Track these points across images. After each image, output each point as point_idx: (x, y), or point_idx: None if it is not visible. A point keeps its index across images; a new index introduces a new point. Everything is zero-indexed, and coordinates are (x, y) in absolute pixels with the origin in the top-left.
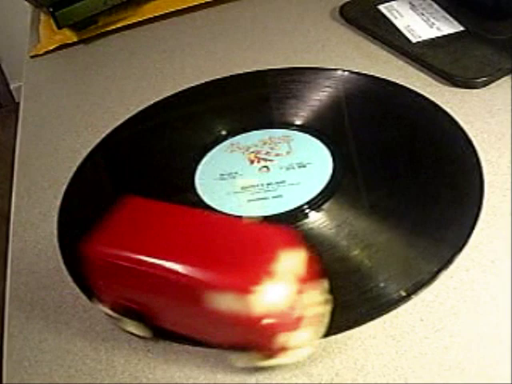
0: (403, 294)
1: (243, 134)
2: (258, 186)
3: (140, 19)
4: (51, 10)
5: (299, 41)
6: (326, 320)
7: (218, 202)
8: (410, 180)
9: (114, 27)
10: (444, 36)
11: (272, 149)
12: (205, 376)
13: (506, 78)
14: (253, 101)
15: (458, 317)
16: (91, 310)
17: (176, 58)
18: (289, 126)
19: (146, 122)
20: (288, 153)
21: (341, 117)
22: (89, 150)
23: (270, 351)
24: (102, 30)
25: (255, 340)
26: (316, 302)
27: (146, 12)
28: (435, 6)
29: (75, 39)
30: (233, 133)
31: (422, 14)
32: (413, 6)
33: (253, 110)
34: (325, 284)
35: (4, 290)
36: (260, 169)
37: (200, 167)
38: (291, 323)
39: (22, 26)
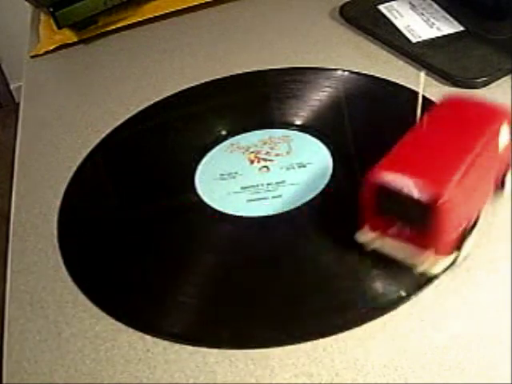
0: (403, 294)
1: (243, 134)
2: (257, 185)
3: (140, 19)
4: (51, 9)
5: (299, 41)
6: None
7: (218, 202)
8: None
9: (114, 27)
10: (444, 36)
11: (272, 149)
12: (205, 376)
13: (506, 78)
14: (253, 101)
15: (458, 317)
16: (91, 310)
17: (176, 58)
18: (289, 125)
19: (145, 122)
20: (288, 153)
21: (341, 117)
22: (89, 150)
23: None
24: (102, 30)
25: None
26: None
27: (146, 12)
28: (435, 5)
29: (75, 39)
30: (233, 133)
31: (422, 14)
32: (413, 6)
33: (253, 110)
34: None
35: (4, 290)
36: (260, 169)
37: (200, 167)
38: None
39: (22, 26)
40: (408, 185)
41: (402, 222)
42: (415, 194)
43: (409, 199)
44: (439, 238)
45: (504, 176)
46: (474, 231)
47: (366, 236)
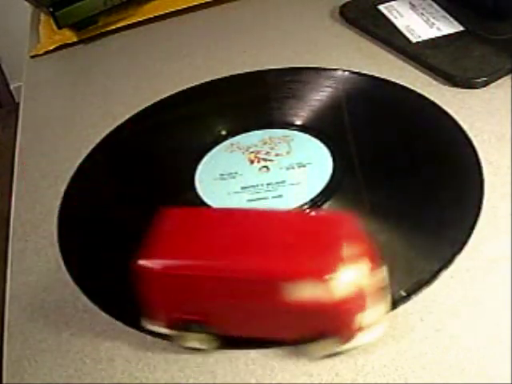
0: (403, 293)
1: (243, 134)
2: (257, 185)
3: (140, 19)
4: (51, 10)
5: (299, 41)
6: (388, 297)
7: (218, 202)
8: (410, 180)
9: (113, 27)
10: (444, 36)
11: (272, 149)
12: (205, 376)
13: (506, 78)
14: (253, 101)
15: (458, 317)
16: (91, 310)
17: (176, 58)
18: (289, 126)
19: (146, 122)
20: (288, 153)
21: (341, 117)
22: (89, 150)
23: (349, 334)
24: (102, 30)
25: (334, 325)
26: (379, 281)
27: (146, 12)
28: (435, 5)
29: (75, 39)
30: (233, 133)
31: (422, 14)
32: (413, 6)
33: (253, 110)
34: (381, 264)
35: (4, 289)
36: (260, 169)
37: (200, 167)
38: (365, 303)
39: (22, 26)
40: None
41: None
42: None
43: None
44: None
45: (323, 334)
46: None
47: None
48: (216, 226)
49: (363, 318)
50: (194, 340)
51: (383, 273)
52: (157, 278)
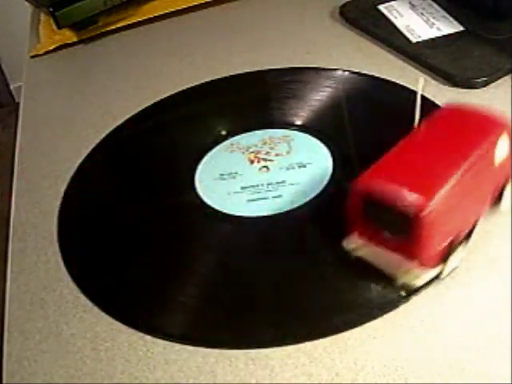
0: (403, 294)
1: (243, 134)
2: (257, 185)
3: (140, 19)
4: (51, 9)
5: (299, 41)
6: None
7: (218, 202)
8: None
9: (113, 27)
10: (444, 36)
11: (272, 149)
12: (205, 376)
13: (506, 78)
14: (253, 101)
15: (458, 317)
16: (91, 310)
17: (176, 58)
18: (289, 126)
19: (145, 122)
20: (288, 153)
21: (341, 117)
22: (89, 150)
23: None
24: (102, 30)
25: None
26: None
27: (146, 12)
28: (435, 5)
29: (75, 39)
30: (233, 133)
31: (422, 14)
32: (413, 6)
33: (253, 110)
34: None
35: (4, 290)
36: (260, 169)
37: (200, 167)
38: None
39: (22, 26)
40: (393, 195)
41: (388, 231)
42: (399, 204)
43: (393, 209)
44: (423, 250)
45: (502, 190)
46: (466, 244)
47: (353, 243)
48: (408, 154)
49: None
50: (458, 257)
51: None
52: (430, 213)
